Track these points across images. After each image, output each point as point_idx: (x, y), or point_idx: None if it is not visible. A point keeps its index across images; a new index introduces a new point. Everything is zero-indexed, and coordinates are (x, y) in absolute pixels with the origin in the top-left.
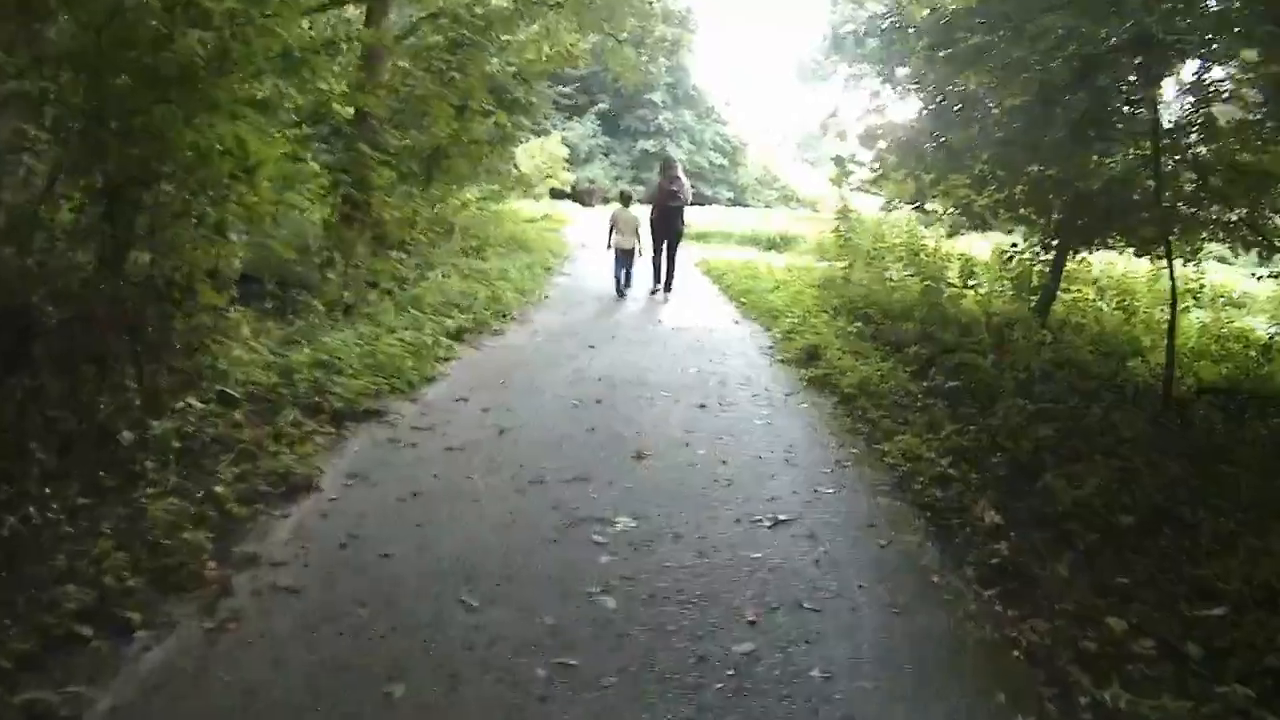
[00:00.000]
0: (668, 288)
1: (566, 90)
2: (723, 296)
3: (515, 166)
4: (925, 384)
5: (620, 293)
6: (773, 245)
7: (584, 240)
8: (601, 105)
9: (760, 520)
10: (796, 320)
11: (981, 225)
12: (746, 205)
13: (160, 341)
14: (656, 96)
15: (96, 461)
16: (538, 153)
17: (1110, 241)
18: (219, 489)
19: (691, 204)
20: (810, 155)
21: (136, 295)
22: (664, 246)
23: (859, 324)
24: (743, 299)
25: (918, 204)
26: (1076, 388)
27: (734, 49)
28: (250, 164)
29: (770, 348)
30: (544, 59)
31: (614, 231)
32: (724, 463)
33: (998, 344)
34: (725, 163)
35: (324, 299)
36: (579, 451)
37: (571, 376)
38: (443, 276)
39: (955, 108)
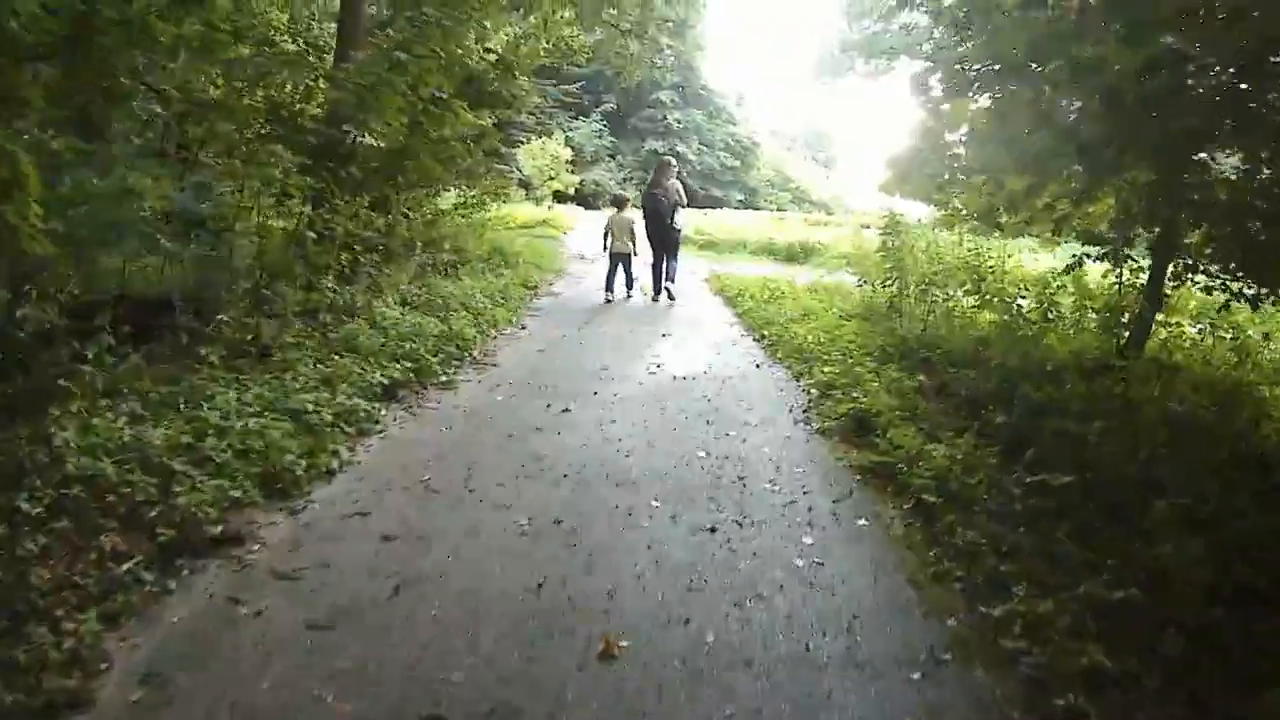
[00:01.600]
0: (669, 293)
1: (571, 88)
2: (739, 326)
3: (512, 168)
4: (1024, 476)
5: (608, 297)
6: (792, 257)
7: (581, 249)
8: (608, 105)
9: None
10: (836, 368)
11: (1117, 259)
12: (758, 208)
13: None
14: (665, 95)
15: None
16: (539, 154)
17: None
18: None
19: (688, 206)
20: (821, 155)
21: None
22: (661, 252)
23: (919, 375)
24: (764, 331)
25: (994, 219)
26: (1206, 463)
27: (745, 46)
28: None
29: (805, 410)
30: (541, 54)
31: (608, 236)
32: (746, 664)
33: (1114, 404)
34: (737, 164)
35: (227, 340)
36: (511, 640)
37: (526, 467)
38: (392, 306)
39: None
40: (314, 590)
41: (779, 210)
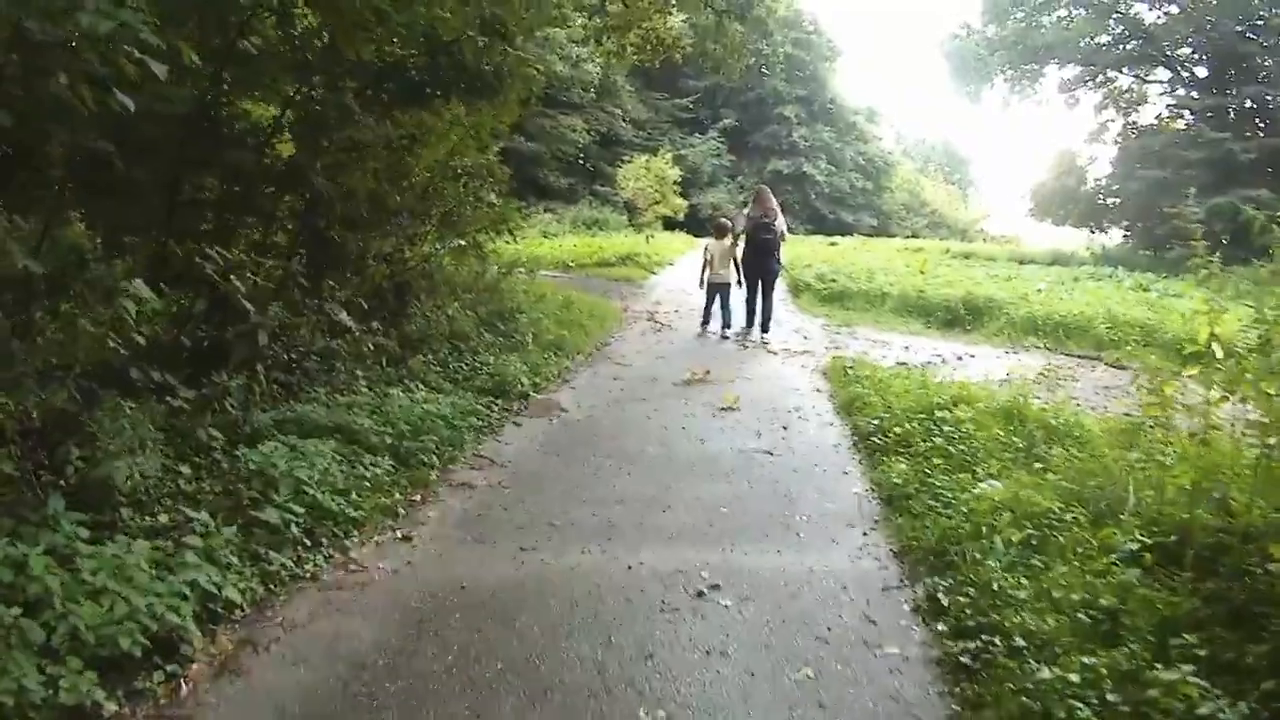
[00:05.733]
0: (765, 328)
1: (684, 102)
2: (876, 538)
3: (613, 189)
4: None
5: (704, 328)
6: (954, 320)
7: (659, 302)
8: (727, 120)
9: None
10: None
11: None
12: (891, 234)
13: None
14: (789, 110)
15: None
16: (643, 174)
17: None
18: None
19: (787, 236)
20: (957, 177)
21: None
22: (758, 286)
23: None
24: (942, 588)
25: None
26: None
27: (877, 57)
28: None
29: None
30: (627, 50)
31: (706, 267)
32: None
33: None
34: (869, 185)
35: None
36: None
37: None
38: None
39: None
40: None
41: (915, 237)
